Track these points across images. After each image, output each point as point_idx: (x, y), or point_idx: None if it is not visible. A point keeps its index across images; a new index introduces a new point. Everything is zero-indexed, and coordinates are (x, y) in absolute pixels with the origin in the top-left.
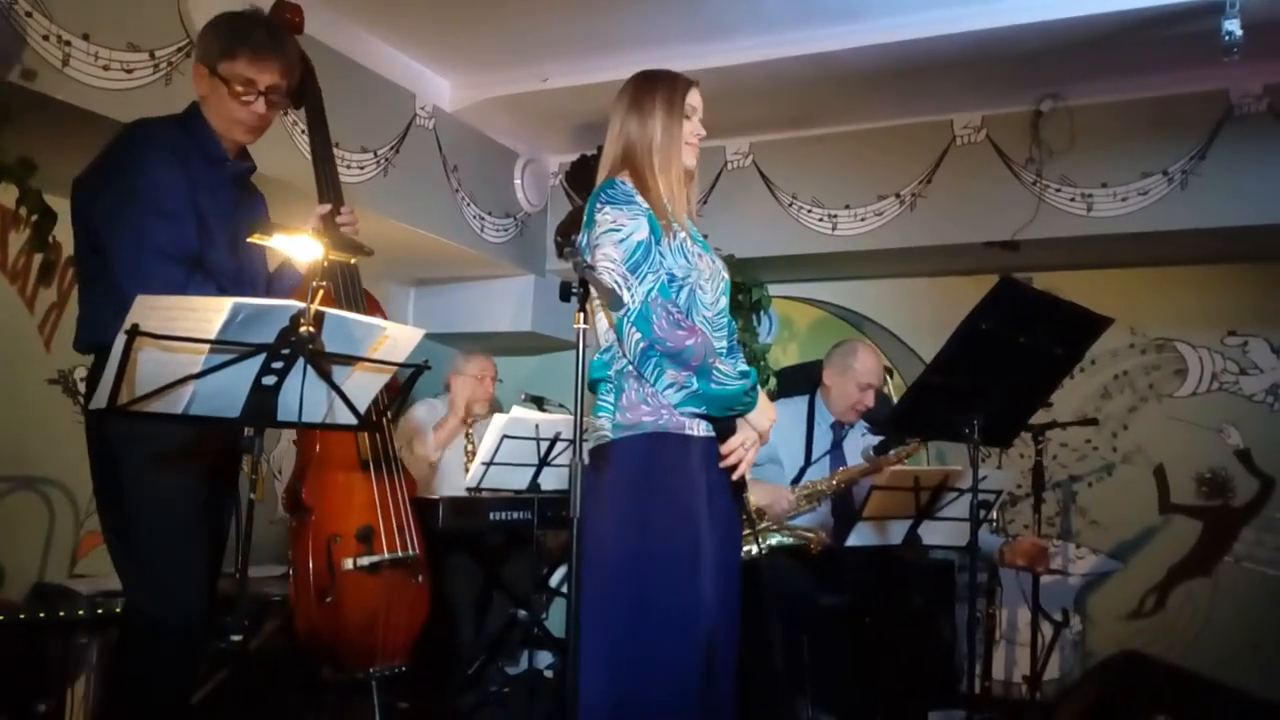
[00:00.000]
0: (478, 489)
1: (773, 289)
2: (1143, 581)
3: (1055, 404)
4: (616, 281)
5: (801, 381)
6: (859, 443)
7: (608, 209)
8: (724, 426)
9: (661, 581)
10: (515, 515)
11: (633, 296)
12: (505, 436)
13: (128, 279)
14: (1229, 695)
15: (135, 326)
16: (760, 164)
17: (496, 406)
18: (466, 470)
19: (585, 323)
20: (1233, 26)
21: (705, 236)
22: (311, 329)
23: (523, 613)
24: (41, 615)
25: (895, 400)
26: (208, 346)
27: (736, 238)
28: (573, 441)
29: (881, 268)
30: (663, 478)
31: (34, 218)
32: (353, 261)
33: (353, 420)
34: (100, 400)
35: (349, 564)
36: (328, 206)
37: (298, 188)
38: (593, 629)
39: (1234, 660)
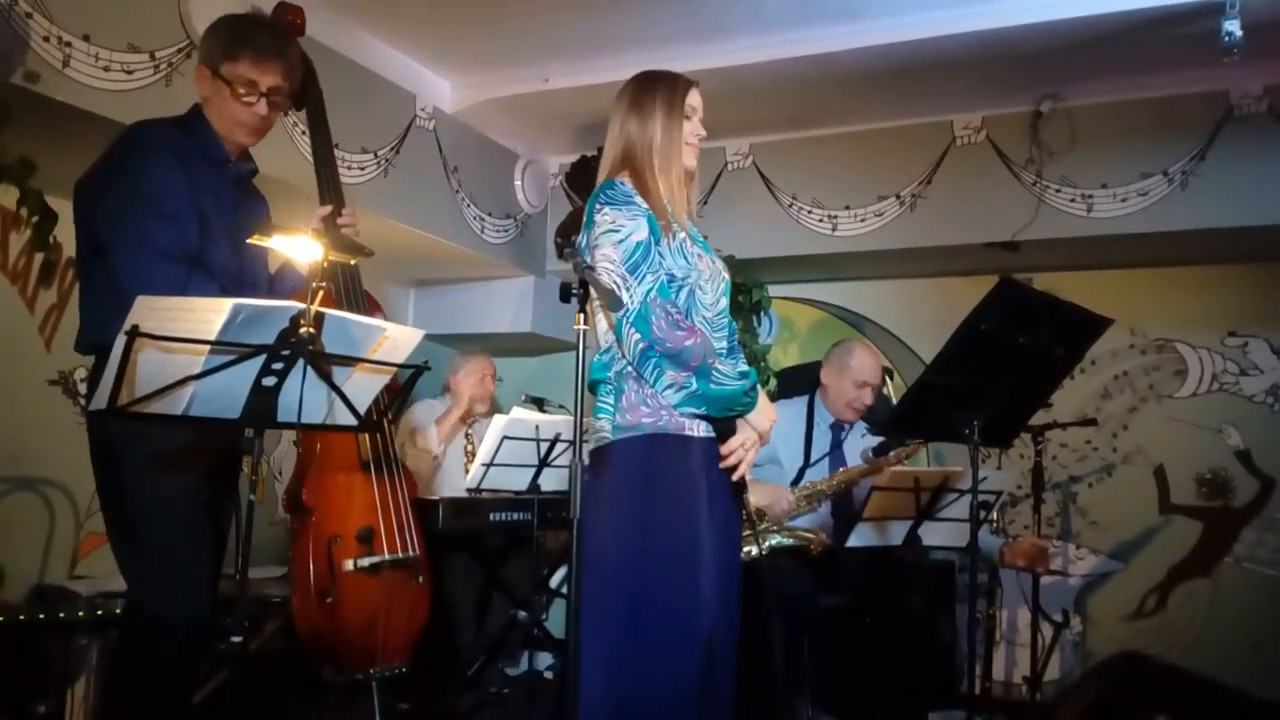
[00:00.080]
0: (478, 490)
1: (773, 290)
2: (1143, 582)
3: (1055, 404)
4: (615, 282)
5: (801, 382)
6: (859, 444)
7: (607, 209)
8: (724, 427)
9: (661, 582)
10: (515, 516)
11: (631, 297)
12: (505, 437)
13: (130, 280)
14: (1229, 695)
15: (135, 327)
16: (760, 165)
17: (496, 407)
18: (467, 471)
19: (585, 324)
20: (1233, 27)
21: (705, 237)
22: (311, 330)
23: (523, 614)
24: (41, 616)
25: (895, 401)
26: (208, 347)
27: (736, 238)
28: (573, 443)
29: (882, 268)
30: (662, 478)
31: (34, 218)
32: (353, 262)
33: (353, 421)
34: (100, 401)
35: (349, 565)
36: (329, 208)
37: (299, 189)
38: (592, 630)
39: (1234, 660)
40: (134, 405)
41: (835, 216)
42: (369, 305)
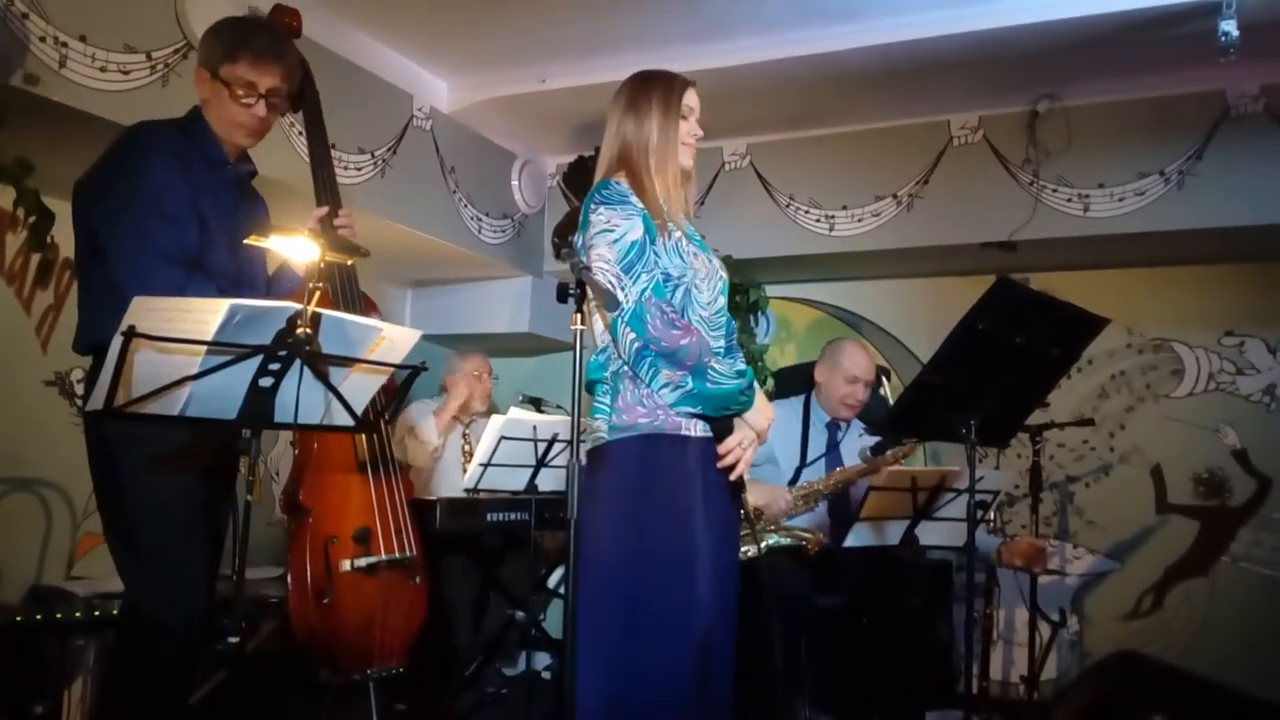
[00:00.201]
0: (475, 490)
1: (770, 290)
2: (1140, 581)
3: (1052, 404)
4: (611, 281)
5: (798, 382)
6: (856, 443)
7: (602, 209)
8: (721, 426)
9: (657, 582)
10: (513, 516)
11: (627, 296)
12: (503, 438)
13: (128, 281)
14: (1226, 695)
15: (131, 328)
16: (758, 165)
17: (494, 408)
18: (464, 471)
19: (582, 324)
20: (1229, 27)
21: (703, 237)
22: (308, 330)
23: (520, 614)
24: (38, 617)
25: (892, 401)
26: (204, 348)
27: (734, 238)
28: (570, 443)
29: (879, 268)
30: (658, 479)
31: (31, 219)
32: (350, 263)
33: (350, 422)
34: (97, 402)
35: (346, 565)
36: (325, 209)
37: (296, 190)
38: (590, 630)
39: (1231, 660)
40: (131, 405)
41: (832, 216)
42: (366, 306)
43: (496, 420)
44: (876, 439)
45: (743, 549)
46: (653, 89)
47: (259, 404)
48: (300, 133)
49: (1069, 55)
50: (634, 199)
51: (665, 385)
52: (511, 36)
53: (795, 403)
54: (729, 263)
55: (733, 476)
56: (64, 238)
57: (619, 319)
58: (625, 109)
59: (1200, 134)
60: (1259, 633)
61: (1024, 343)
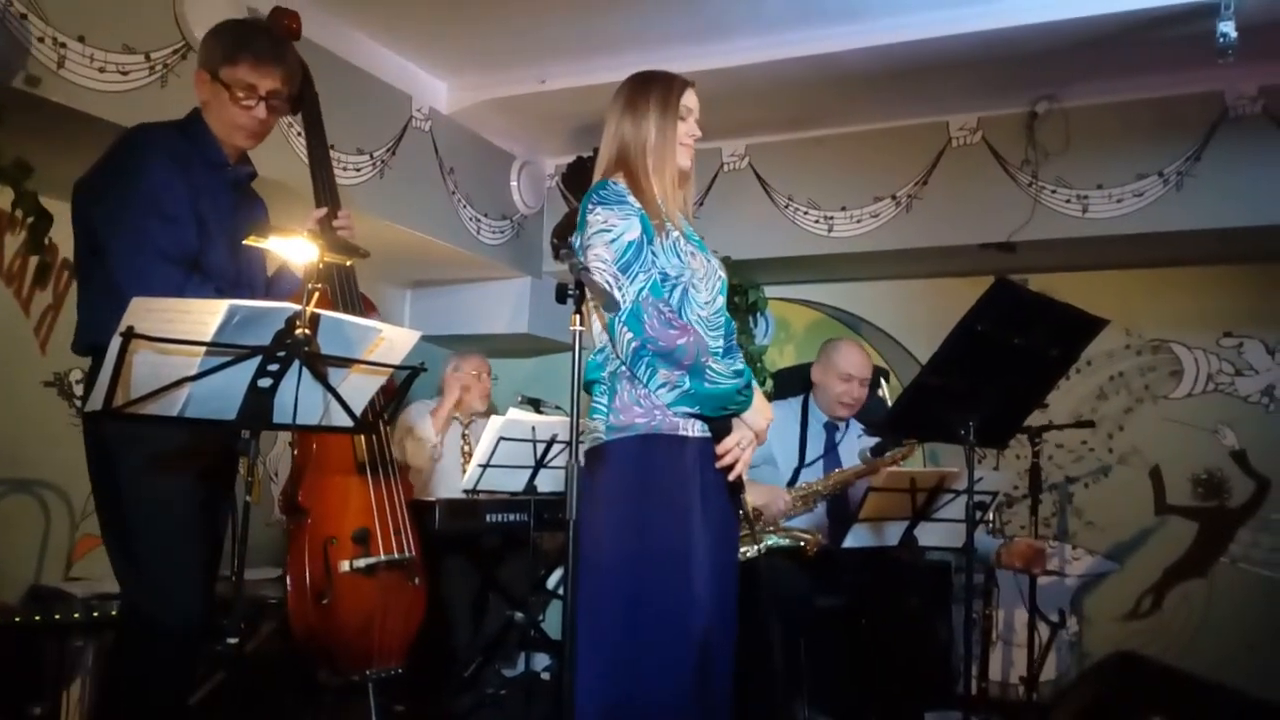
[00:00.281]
0: (474, 491)
1: (769, 291)
2: (1139, 582)
3: (1051, 405)
4: (608, 281)
5: (796, 383)
6: (855, 444)
7: (599, 209)
8: (719, 426)
9: (656, 583)
10: (512, 517)
11: (624, 296)
12: (502, 439)
13: (128, 281)
14: (1225, 696)
15: (130, 329)
16: (756, 165)
17: (494, 408)
18: (463, 472)
19: (581, 325)
20: (1228, 28)
21: (702, 238)
22: (307, 331)
23: (519, 615)
24: (37, 618)
25: (891, 402)
26: (203, 349)
27: (732, 239)
28: (569, 444)
29: (878, 269)
30: (656, 479)
31: (30, 220)
32: (349, 264)
33: (349, 422)
34: (96, 402)
35: (345, 566)
36: (324, 210)
37: (295, 191)
38: (589, 631)
39: (1230, 661)
40: (130, 406)
41: (831, 217)
42: (364, 307)
43: (495, 421)
44: (876, 440)
45: (742, 550)
46: (651, 89)
47: (258, 405)
48: (299, 134)
49: (1068, 56)
50: (631, 199)
51: (662, 385)
52: (511, 37)
53: (794, 403)
54: (728, 264)
55: (731, 476)
56: (62, 239)
57: (616, 319)
58: (624, 109)
59: (1199, 135)
60: (1258, 633)
61: (1023, 344)
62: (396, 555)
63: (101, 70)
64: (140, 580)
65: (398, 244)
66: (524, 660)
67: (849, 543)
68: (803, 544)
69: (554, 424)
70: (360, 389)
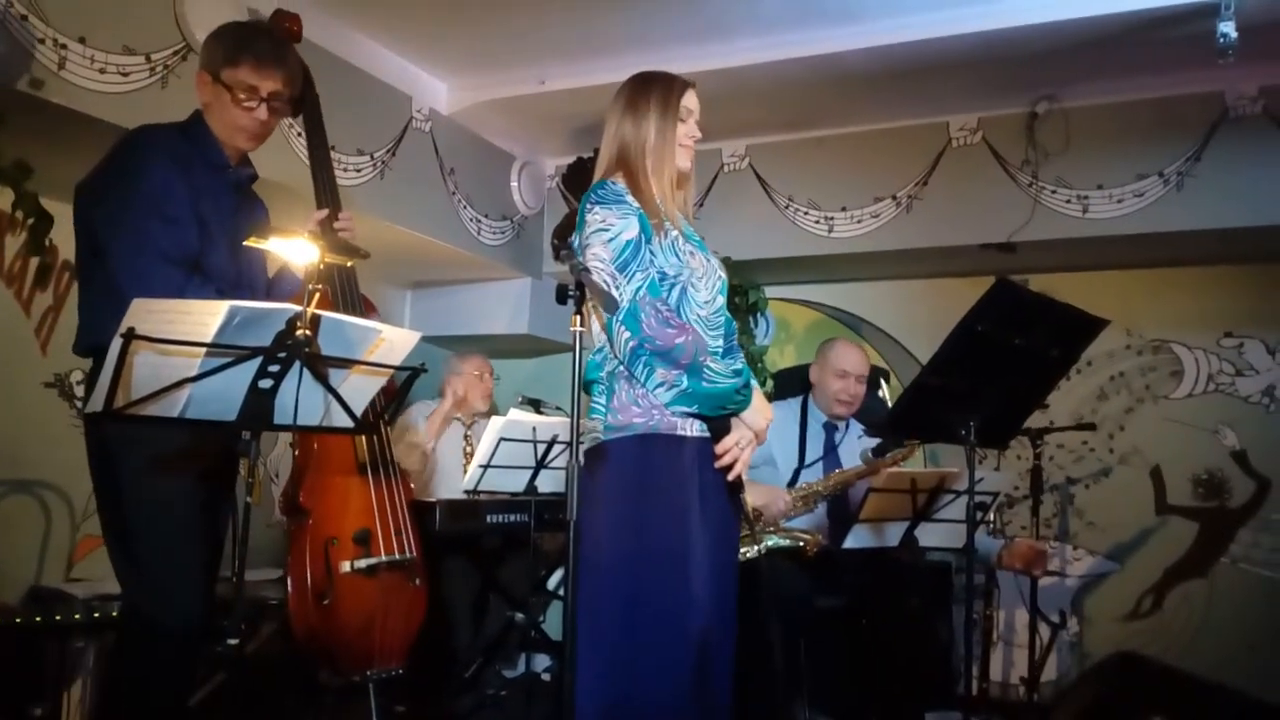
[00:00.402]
0: (475, 492)
1: (769, 291)
2: (1139, 583)
3: (1052, 406)
4: (605, 280)
5: (796, 384)
6: (854, 445)
7: (597, 209)
8: (718, 426)
9: (654, 583)
10: (512, 518)
11: (621, 295)
12: (502, 439)
13: (129, 282)
14: (1225, 696)
15: (131, 330)
16: (757, 166)
17: (494, 409)
18: (465, 473)
19: (581, 325)
20: (1228, 29)
21: (702, 238)
22: (308, 332)
23: (520, 616)
24: (38, 619)
25: (891, 403)
26: (204, 350)
27: (733, 240)
28: (569, 444)
29: (878, 270)
30: (654, 479)
31: (30, 221)
32: (349, 265)
33: (349, 423)
34: (97, 404)
35: (346, 567)
36: (325, 211)
37: (296, 192)
38: (588, 631)
39: (1230, 661)
40: (130, 407)
41: (831, 218)
42: (365, 308)
43: (496, 422)
44: (877, 440)
45: (742, 550)
46: (651, 90)
47: (258, 406)
48: (300, 135)
49: (1068, 57)
50: (630, 198)
51: (660, 385)
52: (511, 38)
53: (793, 404)
54: (728, 264)
55: (730, 476)
56: (63, 240)
57: (614, 319)
58: (624, 110)
59: (1199, 135)
60: (1258, 634)
61: (1023, 344)
62: (397, 556)
63: (102, 71)
64: (141, 581)
65: (398, 245)
66: (524, 661)
67: (849, 543)
68: (802, 544)
69: (554, 425)
70: (361, 390)
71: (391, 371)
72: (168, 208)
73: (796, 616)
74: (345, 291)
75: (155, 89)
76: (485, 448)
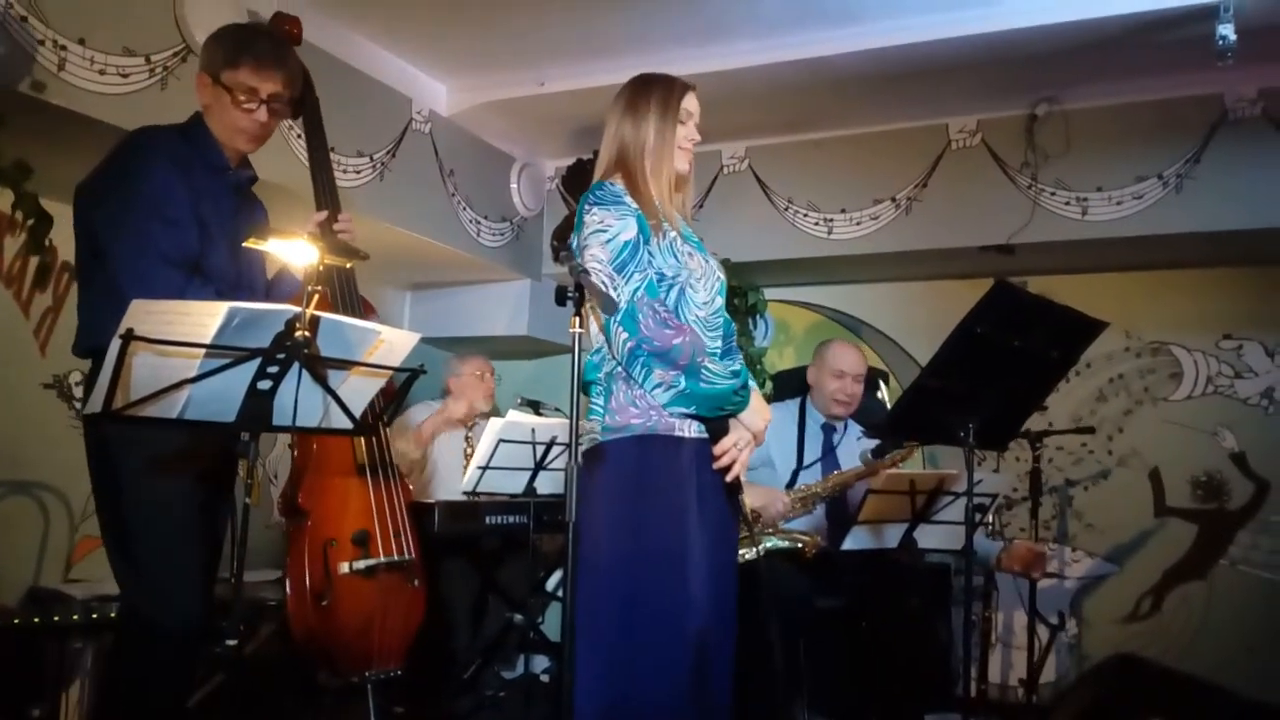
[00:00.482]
0: (474, 493)
1: (768, 293)
2: (1138, 585)
3: (1051, 408)
4: (604, 281)
5: (795, 386)
6: (853, 446)
7: (595, 210)
8: (717, 427)
9: (652, 583)
10: (511, 519)
11: (619, 296)
12: (501, 441)
13: (129, 283)
14: (1224, 698)
15: (130, 331)
16: (756, 168)
17: (495, 409)
18: (464, 474)
19: (580, 327)
20: (1227, 31)
21: (701, 239)
22: (307, 334)
23: (519, 617)
24: (36, 620)
25: (890, 404)
26: (203, 351)
27: (732, 242)
28: (569, 446)
29: (877, 271)
30: (652, 479)
31: (30, 222)
32: (349, 266)
33: (348, 425)
34: (96, 404)
35: (345, 568)
36: (325, 213)
37: (295, 194)
38: (587, 632)
39: (1229, 663)
40: (129, 408)
41: (831, 220)
42: (364, 309)
43: (495, 423)
44: (876, 442)
45: (741, 552)
46: (652, 92)
47: (257, 407)
48: (300, 137)
49: (1067, 59)
50: (628, 199)
51: (658, 385)
52: (510, 39)
53: (791, 405)
54: (727, 266)
55: (729, 477)
56: (62, 241)
57: (612, 320)
58: (624, 111)
59: (1198, 138)
60: (1257, 635)
61: (1022, 346)
62: (396, 557)
63: (102, 73)
64: (140, 582)
65: (397, 246)
66: (523, 662)
67: (848, 545)
68: (801, 546)
69: (553, 426)
70: (360, 391)
71: (391, 373)
72: (168, 209)
73: (796, 617)
74: (344, 293)
75: (155, 90)
76: (484, 449)
